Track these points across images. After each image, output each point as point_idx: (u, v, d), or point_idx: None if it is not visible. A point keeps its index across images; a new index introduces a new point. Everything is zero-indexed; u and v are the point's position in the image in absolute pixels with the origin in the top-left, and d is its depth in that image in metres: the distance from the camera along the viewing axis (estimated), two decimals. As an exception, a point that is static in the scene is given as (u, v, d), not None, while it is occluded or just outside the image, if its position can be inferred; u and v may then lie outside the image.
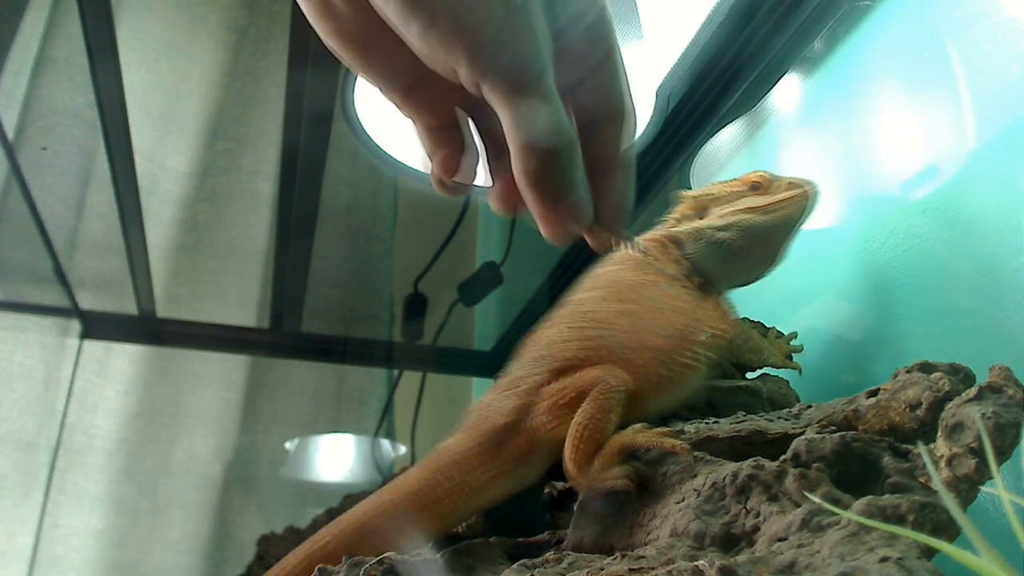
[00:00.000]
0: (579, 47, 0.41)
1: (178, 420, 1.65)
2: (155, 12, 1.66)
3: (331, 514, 1.14)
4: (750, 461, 0.49)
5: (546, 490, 0.72)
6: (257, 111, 1.72)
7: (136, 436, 1.62)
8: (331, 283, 1.71)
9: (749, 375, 0.74)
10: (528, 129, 0.38)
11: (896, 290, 0.79)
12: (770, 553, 0.42)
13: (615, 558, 0.49)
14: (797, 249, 0.78)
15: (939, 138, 0.77)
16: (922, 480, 0.45)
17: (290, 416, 1.74)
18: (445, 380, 1.81)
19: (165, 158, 1.68)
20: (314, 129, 1.05)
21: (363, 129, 1.02)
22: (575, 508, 0.60)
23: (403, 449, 1.74)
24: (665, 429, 0.59)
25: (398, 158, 1.05)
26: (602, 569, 0.47)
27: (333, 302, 1.72)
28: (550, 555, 0.53)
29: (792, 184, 0.75)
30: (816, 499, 0.43)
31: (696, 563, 0.41)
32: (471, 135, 0.45)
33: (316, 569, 0.58)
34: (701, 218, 0.77)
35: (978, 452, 0.42)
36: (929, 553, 0.38)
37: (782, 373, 0.75)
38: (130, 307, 1.53)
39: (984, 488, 0.42)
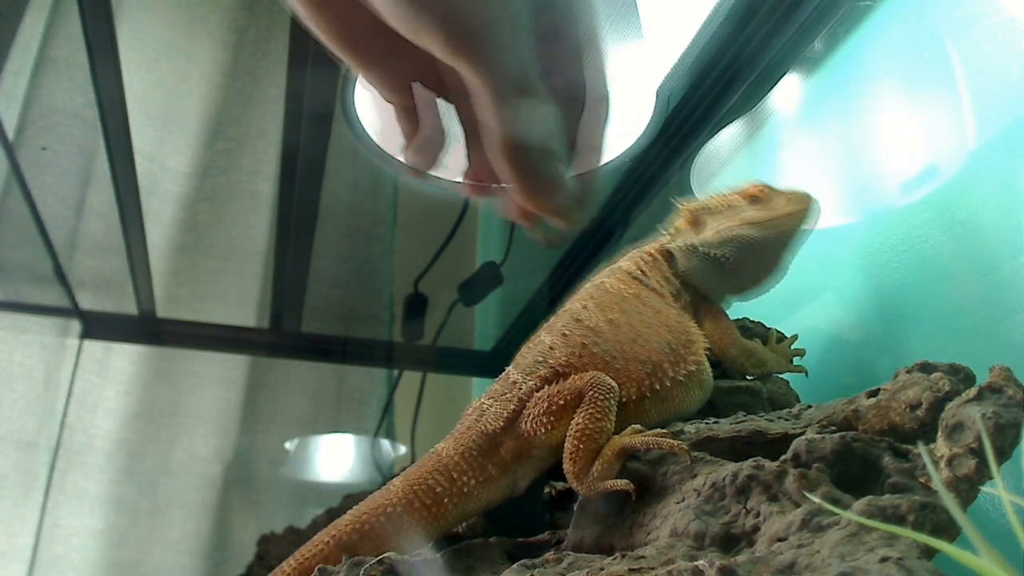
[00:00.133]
0: (560, 27, 0.40)
1: (178, 420, 1.65)
2: (155, 12, 1.66)
3: (331, 514, 1.14)
4: (750, 461, 0.49)
5: (546, 490, 0.72)
6: (257, 111, 1.72)
7: (136, 436, 1.62)
8: (331, 283, 1.71)
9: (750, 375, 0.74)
10: (502, 99, 0.36)
11: (896, 290, 0.79)
12: (770, 553, 0.42)
13: (615, 558, 0.49)
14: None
15: (939, 138, 0.77)
16: (922, 480, 0.45)
17: (290, 416, 1.74)
18: (445, 380, 1.81)
19: (165, 158, 1.68)
20: (314, 129, 1.05)
21: (363, 129, 1.02)
22: (575, 508, 0.60)
23: (403, 449, 1.74)
24: (664, 430, 0.60)
25: (398, 158, 1.05)
26: (602, 569, 0.47)
27: (333, 302, 1.72)
28: (550, 555, 0.53)
29: (791, 198, 0.74)
30: (816, 499, 0.43)
31: (696, 563, 0.41)
32: (437, 110, 0.43)
33: (316, 569, 0.58)
34: (697, 230, 0.76)
35: (978, 452, 0.42)
36: (929, 553, 0.38)
37: (784, 374, 0.75)
38: (130, 307, 1.53)
39: (984, 488, 0.42)
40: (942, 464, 0.43)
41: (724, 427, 0.59)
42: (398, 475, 0.65)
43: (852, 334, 0.85)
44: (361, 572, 0.54)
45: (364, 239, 1.80)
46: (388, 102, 0.42)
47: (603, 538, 0.57)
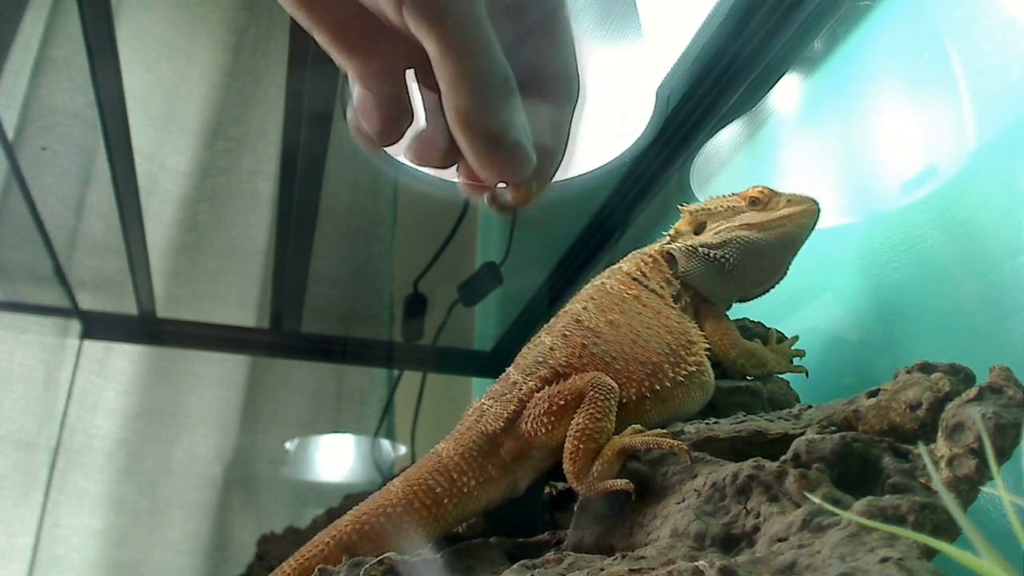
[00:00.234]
0: (521, 2, 0.38)
1: (178, 420, 1.65)
2: (155, 12, 1.66)
3: (331, 514, 1.14)
4: (750, 461, 0.49)
5: (546, 490, 0.72)
6: (257, 111, 1.72)
7: (136, 436, 1.62)
8: (331, 283, 1.71)
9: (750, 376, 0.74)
10: (458, 58, 0.34)
11: (896, 290, 0.79)
12: (770, 553, 0.42)
13: (615, 558, 0.49)
14: (797, 249, 0.77)
15: (939, 138, 0.77)
16: (922, 480, 0.45)
17: (290, 416, 1.74)
18: (445, 380, 1.81)
19: (165, 158, 1.68)
20: (314, 129, 1.05)
21: (363, 129, 1.02)
22: (575, 508, 0.60)
23: (403, 449, 1.74)
24: (664, 430, 0.60)
25: (398, 158, 1.05)
26: (602, 569, 0.47)
27: (333, 302, 1.72)
28: (550, 555, 0.53)
29: (792, 201, 0.74)
30: (816, 499, 0.43)
31: (696, 563, 0.41)
32: (404, 89, 0.41)
33: (316, 570, 0.58)
34: (698, 233, 0.76)
35: (978, 452, 0.42)
36: (929, 553, 0.38)
37: (784, 374, 0.75)
38: (130, 307, 1.53)
39: (984, 488, 0.42)
40: (942, 464, 0.43)
41: (724, 427, 0.59)
42: (398, 475, 0.65)
43: (852, 334, 0.85)
44: (361, 572, 0.54)
45: (364, 239, 1.80)
46: (366, 88, 0.40)
47: (603, 538, 0.57)
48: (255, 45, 1.74)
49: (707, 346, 0.70)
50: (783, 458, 0.49)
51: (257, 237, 1.72)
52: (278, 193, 1.31)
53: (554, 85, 0.40)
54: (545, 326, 0.71)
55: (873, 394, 0.53)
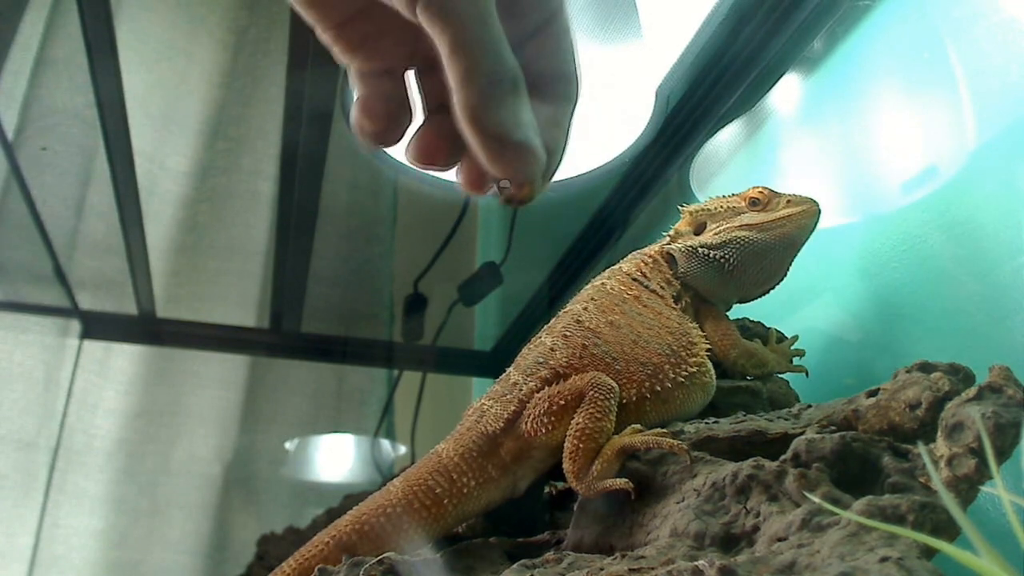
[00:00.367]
0: (524, 4, 0.39)
1: (178, 420, 1.65)
2: (155, 12, 1.66)
3: (331, 514, 1.14)
4: (750, 461, 0.49)
5: (546, 490, 0.72)
6: (257, 111, 1.72)
7: (136, 436, 1.62)
8: (331, 283, 1.71)
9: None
10: (469, 55, 0.34)
11: (896, 290, 0.79)
12: (770, 553, 0.42)
13: (615, 558, 0.49)
14: (797, 249, 0.77)
15: (939, 138, 0.77)
16: (922, 480, 0.45)
17: (290, 416, 1.74)
18: (445, 380, 1.81)
19: (165, 158, 1.68)
20: (314, 129, 1.05)
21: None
22: (575, 508, 0.60)
23: (403, 449, 1.74)
24: (664, 430, 0.60)
25: (398, 158, 1.05)
26: (602, 569, 0.47)
27: (333, 302, 1.72)
28: (550, 555, 0.53)
29: (792, 201, 0.74)
30: (816, 499, 0.43)
31: (696, 563, 0.41)
32: (405, 89, 0.41)
33: (316, 569, 0.58)
34: (698, 234, 0.76)
35: (978, 452, 0.42)
36: (929, 553, 0.38)
37: (784, 374, 0.75)
38: (130, 307, 1.53)
39: (984, 488, 0.42)
40: (942, 464, 0.43)
41: (724, 427, 0.59)
42: (398, 475, 0.65)
43: (852, 334, 0.85)
44: (361, 572, 0.54)
45: (364, 239, 1.80)
46: (367, 87, 0.41)
47: (603, 538, 0.57)
48: (255, 45, 1.74)
49: (708, 347, 0.70)
50: (783, 458, 0.49)
51: (257, 237, 1.72)
52: (278, 193, 1.31)
53: (554, 85, 0.40)
54: (546, 327, 0.71)
55: (873, 394, 0.53)
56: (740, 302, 0.79)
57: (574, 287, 0.76)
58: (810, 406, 0.60)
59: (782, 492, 0.47)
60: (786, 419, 0.59)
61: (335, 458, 1.75)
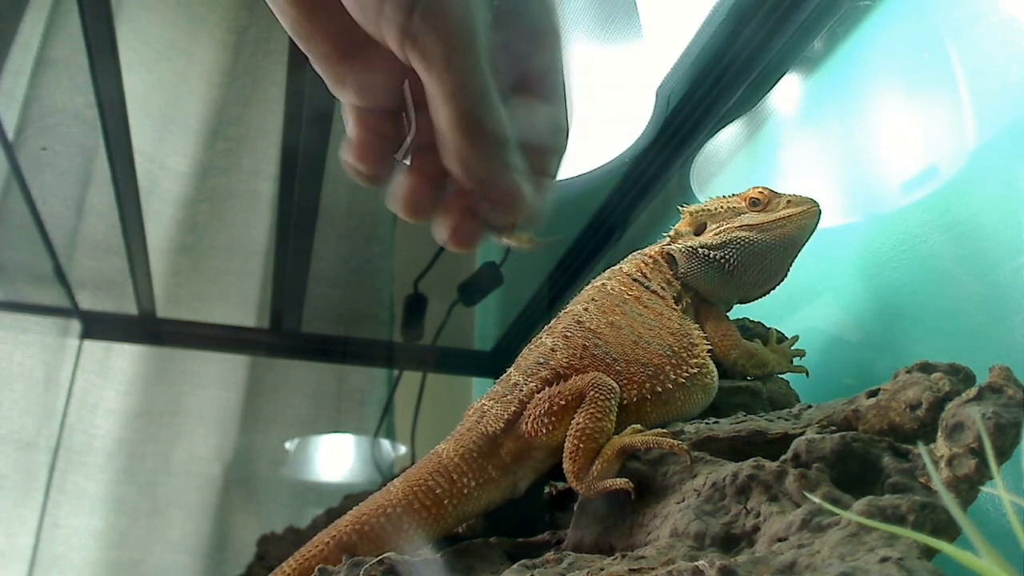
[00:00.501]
0: (522, 55, 0.39)
1: (178, 420, 1.65)
2: (155, 12, 1.66)
3: (331, 514, 1.14)
4: (750, 461, 0.49)
5: (546, 490, 0.72)
6: (257, 111, 1.72)
7: (136, 436, 1.62)
8: (331, 283, 1.71)
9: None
10: (459, 103, 0.35)
11: (896, 290, 0.79)
12: (770, 553, 0.42)
13: (615, 558, 0.49)
14: (797, 249, 0.77)
15: (939, 138, 0.77)
16: (922, 480, 0.45)
17: (290, 416, 1.74)
18: (445, 380, 1.81)
19: (165, 158, 1.68)
20: (314, 129, 1.05)
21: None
22: (575, 508, 0.60)
23: (403, 449, 1.74)
24: (664, 430, 0.60)
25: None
26: (602, 569, 0.47)
27: (333, 302, 1.72)
28: (550, 555, 0.53)
29: (792, 202, 0.74)
30: (816, 499, 0.43)
31: (696, 563, 0.41)
32: (396, 127, 0.42)
33: (316, 570, 0.58)
34: (698, 234, 0.76)
35: (978, 452, 0.42)
36: (929, 553, 0.38)
37: (784, 374, 0.75)
38: (130, 307, 1.53)
39: (984, 488, 0.42)
40: (942, 464, 0.43)
41: (724, 427, 0.59)
42: (398, 476, 0.65)
43: (852, 334, 0.85)
44: (361, 572, 0.54)
45: (364, 239, 1.80)
46: (357, 110, 0.41)
47: (603, 538, 0.57)
48: (255, 45, 1.74)
49: (709, 347, 0.70)
50: (783, 458, 0.49)
51: (257, 237, 1.72)
52: (278, 193, 1.31)
53: (543, 136, 0.41)
54: (546, 327, 0.71)
55: (873, 394, 0.53)
56: (741, 302, 0.79)
57: (574, 287, 0.76)
58: (810, 406, 0.60)
59: (782, 492, 0.47)
60: (786, 419, 0.59)
61: (335, 458, 1.76)
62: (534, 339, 0.70)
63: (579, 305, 0.71)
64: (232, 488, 1.65)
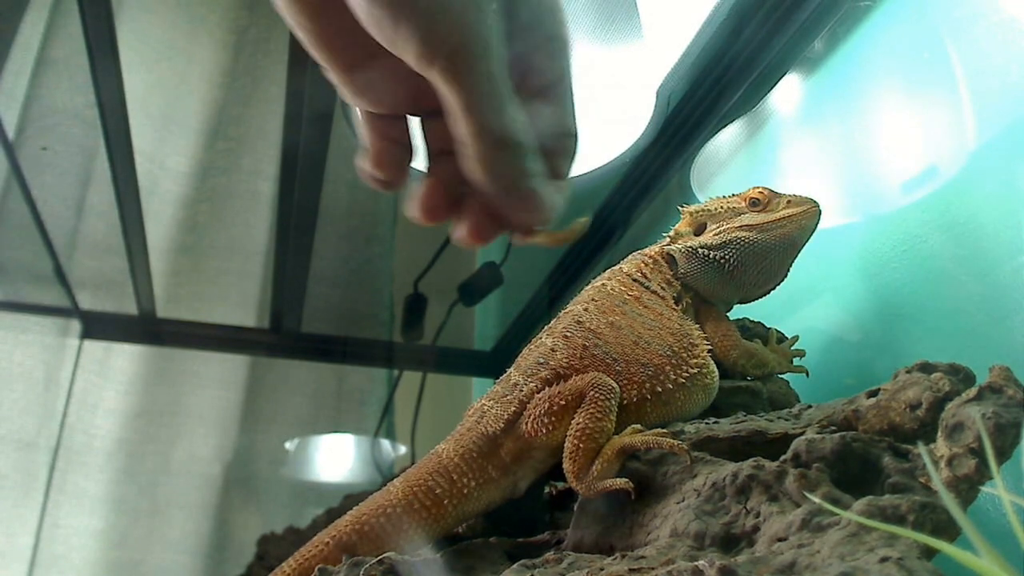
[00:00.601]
0: (534, 63, 0.40)
1: (178, 420, 1.65)
2: (155, 12, 1.66)
3: (331, 514, 1.14)
4: (750, 461, 0.49)
5: (546, 490, 0.72)
6: (257, 111, 1.72)
7: (136, 436, 1.62)
8: (331, 283, 1.71)
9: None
10: (481, 114, 0.36)
11: (896, 291, 0.79)
12: (770, 553, 0.42)
13: (615, 558, 0.49)
14: (797, 249, 0.77)
15: (939, 138, 0.77)
16: (922, 480, 0.45)
17: (290, 416, 1.74)
18: (445, 380, 1.81)
19: (165, 158, 1.68)
20: (314, 129, 1.05)
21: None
22: (575, 508, 0.60)
23: (403, 449, 1.74)
24: (664, 430, 0.60)
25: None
26: (602, 569, 0.47)
27: (333, 302, 1.72)
28: (550, 555, 0.53)
29: (793, 202, 0.74)
30: (816, 499, 0.43)
31: (696, 563, 0.41)
32: (411, 132, 0.43)
33: (316, 569, 0.58)
34: (698, 234, 0.76)
35: (978, 452, 0.42)
36: (929, 553, 0.38)
37: (784, 374, 0.75)
38: (130, 307, 1.53)
39: (984, 488, 0.42)
40: (942, 464, 0.43)
41: (724, 427, 0.59)
42: (398, 476, 0.65)
43: (852, 334, 0.85)
44: (361, 572, 0.54)
45: (364, 239, 1.80)
46: (372, 117, 0.42)
47: (603, 538, 0.57)
48: (255, 45, 1.74)
49: (709, 347, 0.70)
50: (783, 458, 0.49)
51: (257, 237, 1.72)
52: (278, 193, 1.31)
53: (557, 140, 0.42)
54: (546, 327, 0.71)
55: (873, 394, 0.53)
56: (741, 303, 0.79)
57: (574, 287, 0.76)
58: (810, 406, 0.60)
59: (782, 492, 0.47)
60: (786, 419, 0.59)
61: (335, 458, 1.76)
62: (534, 339, 0.70)
63: (579, 305, 0.71)
64: (232, 488, 1.65)
